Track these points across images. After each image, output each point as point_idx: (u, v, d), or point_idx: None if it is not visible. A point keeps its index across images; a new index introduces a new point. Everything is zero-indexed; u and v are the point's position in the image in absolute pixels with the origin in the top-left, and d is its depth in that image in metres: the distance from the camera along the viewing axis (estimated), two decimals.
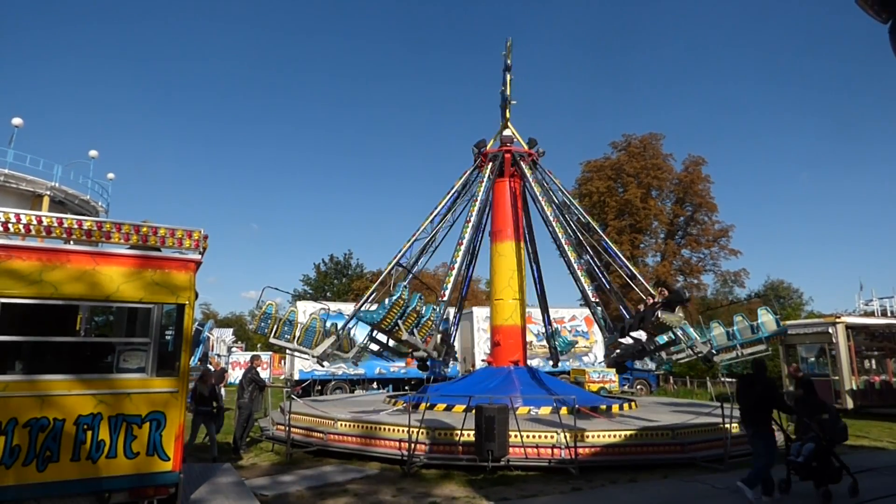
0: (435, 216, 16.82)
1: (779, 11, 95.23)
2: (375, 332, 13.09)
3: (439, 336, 14.03)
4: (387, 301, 12.51)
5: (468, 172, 17.45)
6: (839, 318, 20.06)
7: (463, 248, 15.55)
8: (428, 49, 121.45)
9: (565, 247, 15.27)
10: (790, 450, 8.10)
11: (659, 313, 11.70)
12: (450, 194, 17.16)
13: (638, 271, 16.80)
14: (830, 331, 19.61)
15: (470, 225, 15.86)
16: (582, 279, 14.73)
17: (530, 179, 16.14)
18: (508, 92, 16.68)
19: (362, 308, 15.55)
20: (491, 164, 16.74)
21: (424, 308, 12.96)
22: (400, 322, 12.38)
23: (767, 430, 7.93)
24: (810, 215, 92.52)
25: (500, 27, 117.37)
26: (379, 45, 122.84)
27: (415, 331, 12.71)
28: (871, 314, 26.64)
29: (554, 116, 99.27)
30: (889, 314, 26.77)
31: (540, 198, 15.87)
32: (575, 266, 14.97)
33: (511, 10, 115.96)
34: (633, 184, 42.50)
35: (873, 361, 21.10)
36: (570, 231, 16.16)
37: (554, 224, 15.80)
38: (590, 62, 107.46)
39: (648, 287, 15.86)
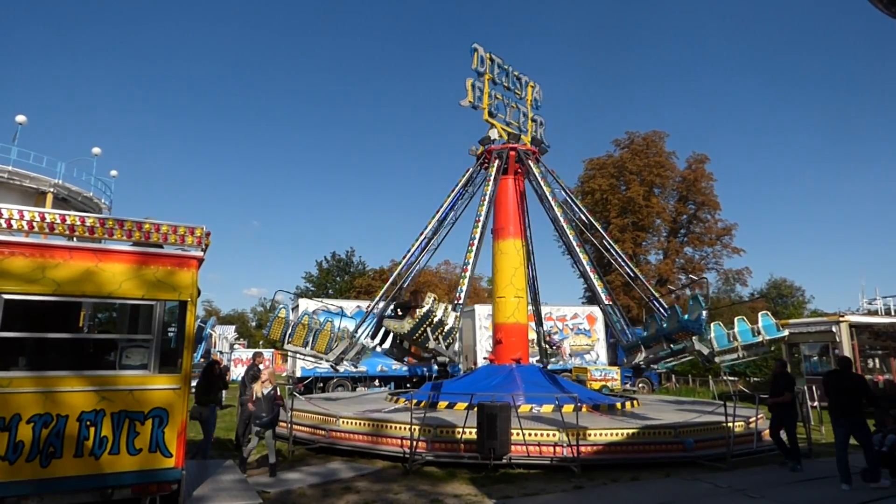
0: (440, 216, 16.93)
1: (783, 8, 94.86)
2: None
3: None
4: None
5: (470, 171, 17.51)
6: (843, 316, 20.00)
7: (475, 247, 15.28)
8: (430, 47, 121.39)
9: (576, 248, 15.35)
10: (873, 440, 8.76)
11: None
12: (453, 193, 17.23)
13: (640, 271, 16.93)
14: (834, 329, 19.56)
15: (479, 224, 15.61)
16: (595, 281, 14.74)
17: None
18: (470, 98, 16.58)
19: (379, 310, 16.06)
20: (497, 161, 16.73)
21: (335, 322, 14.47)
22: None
23: (863, 418, 8.54)
24: (813, 214, 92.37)
25: (503, 24, 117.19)
26: (381, 44, 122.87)
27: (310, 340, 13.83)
28: (875, 313, 26.55)
29: (556, 114, 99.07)
30: (893, 313, 26.68)
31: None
32: (587, 267, 15.02)
33: (514, 6, 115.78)
34: (635, 181, 42.38)
35: (877, 360, 21.04)
36: (576, 229, 16.24)
37: (564, 223, 15.88)
38: (592, 59, 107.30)
39: (650, 286, 15.89)
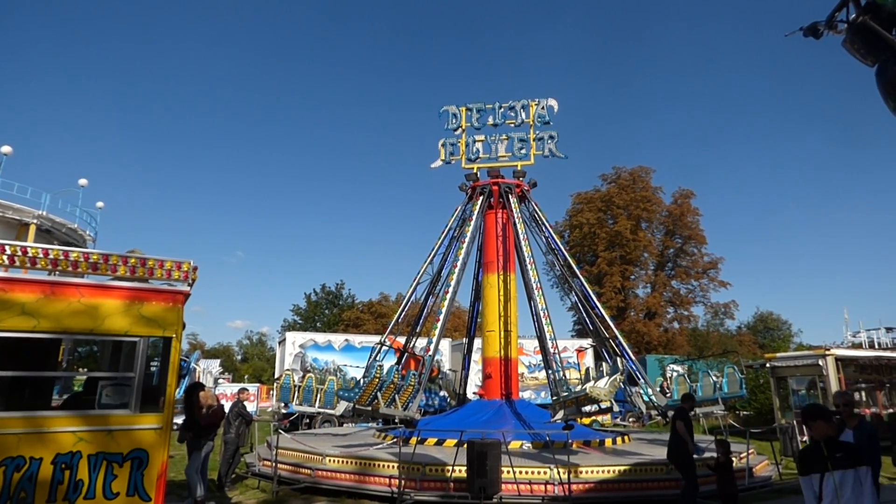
0: (434, 256, 16.86)
1: (768, 42, 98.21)
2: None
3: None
4: (362, 380, 12.87)
5: (459, 209, 17.55)
6: (829, 350, 20.11)
7: (449, 294, 15.33)
8: (419, 76, 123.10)
9: (535, 291, 15.09)
10: None
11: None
12: (445, 232, 17.19)
13: (609, 314, 16.79)
14: (820, 363, 19.61)
15: (456, 269, 15.81)
16: (545, 326, 14.55)
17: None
18: (442, 157, 17.57)
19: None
20: (481, 198, 16.83)
21: (405, 377, 13.06)
22: (378, 394, 12.47)
23: None
24: (798, 248, 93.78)
25: (493, 54, 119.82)
26: (365, 71, 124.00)
27: (396, 398, 12.62)
28: (859, 345, 26.73)
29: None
30: (876, 346, 26.90)
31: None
32: (540, 311, 14.82)
33: (506, 32, 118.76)
34: (622, 216, 42.93)
35: (863, 394, 21.08)
36: (558, 266, 16.12)
37: (529, 265, 15.57)
38: (579, 93, 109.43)
39: (616, 331, 15.71)
